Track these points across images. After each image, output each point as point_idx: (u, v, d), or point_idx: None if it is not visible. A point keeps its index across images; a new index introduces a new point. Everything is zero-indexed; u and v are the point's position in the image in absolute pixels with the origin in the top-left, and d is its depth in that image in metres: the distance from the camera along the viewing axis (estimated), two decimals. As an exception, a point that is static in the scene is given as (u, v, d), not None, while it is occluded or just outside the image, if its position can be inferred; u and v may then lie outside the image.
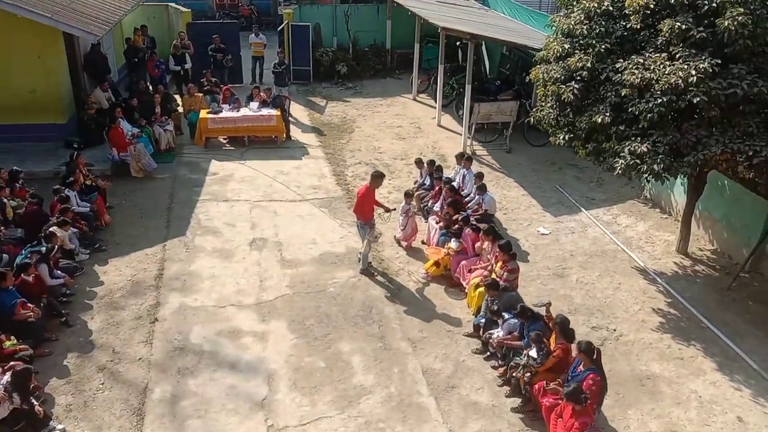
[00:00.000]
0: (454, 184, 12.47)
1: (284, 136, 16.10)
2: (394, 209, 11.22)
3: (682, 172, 9.10)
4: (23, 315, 8.38)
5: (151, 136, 14.62)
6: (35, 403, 7.22)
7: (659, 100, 8.53)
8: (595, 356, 7.08)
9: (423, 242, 11.41)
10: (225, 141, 15.95)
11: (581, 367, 7.15)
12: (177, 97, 17.59)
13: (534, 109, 11.23)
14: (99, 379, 8.13)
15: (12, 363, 7.38)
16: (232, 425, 7.49)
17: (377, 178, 10.52)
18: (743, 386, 8.29)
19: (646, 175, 8.95)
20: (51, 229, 9.98)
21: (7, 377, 7.05)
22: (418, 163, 13.33)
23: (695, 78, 8.18)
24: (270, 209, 12.66)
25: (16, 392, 6.96)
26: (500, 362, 8.50)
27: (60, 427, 7.31)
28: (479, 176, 12.12)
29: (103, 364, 8.38)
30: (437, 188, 12.16)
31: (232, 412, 7.70)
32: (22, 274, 8.86)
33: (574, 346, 7.46)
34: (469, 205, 11.91)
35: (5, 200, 10.73)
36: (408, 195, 11.37)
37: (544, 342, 7.72)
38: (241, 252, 11.09)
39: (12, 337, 8.04)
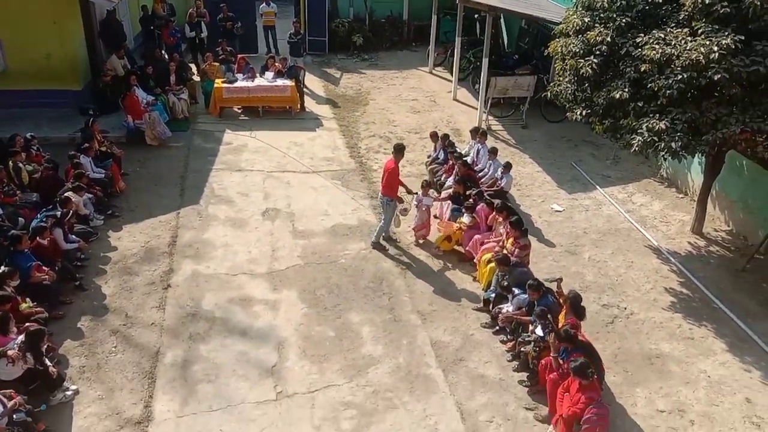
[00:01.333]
0: (469, 158, 12.40)
1: (298, 107, 16.04)
2: (417, 193, 10.74)
3: (700, 150, 8.97)
4: (38, 278, 8.51)
5: (165, 104, 14.63)
6: (49, 364, 7.35)
7: (679, 77, 8.34)
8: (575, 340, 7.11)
9: (435, 216, 11.38)
10: (239, 111, 15.92)
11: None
12: (192, 65, 17.54)
13: (551, 84, 11.07)
14: (112, 342, 8.26)
15: (27, 324, 7.50)
16: (242, 390, 7.60)
17: (399, 151, 10.40)
18: (753, 368, 8.25)
19: (663, 153, 8.82)
20: (66, 194, 10.07)
21: (21, 338, 7.18)
22: (433, 136, 13.22)
23: (717, 54, 7.98)
24: (283, 180, 12.67)
25: (30, 352, 7.08)
26: (509, 337, 8.52)
27: (73, 387, 7.46)
28: (493, 151, 12.05)
29: (116, 328, 8.50)
30: (450, 163, 12.08)
31: (242, 377, 7.80)
32: (38, 238, 8.98)
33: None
34: (482, 180, 11.85)
35: (21, 165, 10.83)
36: (425, 185, 10.71)
37: (549, 319, 7.70)
38: (253, 221, 11.14)
39: (28, 299, 8.19)
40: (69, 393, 7.36)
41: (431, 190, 10.83)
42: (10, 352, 6.94)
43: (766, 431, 7.30)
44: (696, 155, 9.88)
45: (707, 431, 7.30)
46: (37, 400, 7.03)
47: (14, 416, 6.49)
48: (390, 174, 10.18)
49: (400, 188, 10.59)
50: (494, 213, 9.96)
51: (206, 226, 10.91)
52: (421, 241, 10.73)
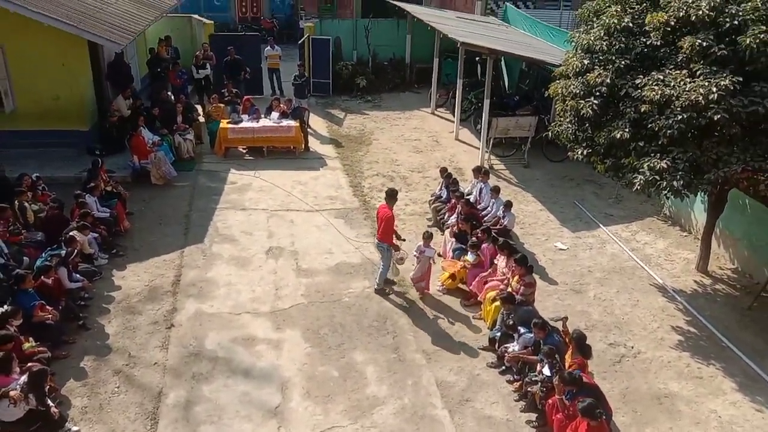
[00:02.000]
0: (471, 197, 12.47)
1: (303, 146, 16.21)
2: (403, 240, 10.69)
3: (702, 189, 9.02)
4: (42, 317, 8.48)
5: (171, 144, 14.80)
6: (51, 404, 7.27)
7: (679, 117, 8.45)
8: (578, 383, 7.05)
9: (439, 254, 11.38)
10: (244, 151, 16.09)
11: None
12: (198, 106, 17.81)
13: (552, 124, 11.20)
14: (114, 382, 8.18)
15: (30, 364, 7.45)
16: (245, 432, 7.49)
17: (392, 197, 10.17)
18: (765, 407, 8.13)
19: (666, 192, 8.87)
20: (71, 233, 10.11)
21: (24, 378, 7.12)
22: (443, 172, 13.28)
23: (716, 95, 8.10)
24: (287, 218, 12.73)
25: (32, 393, 7.01)
26: (516, 377, 8.42)
27: (75, 428, 7.36)
28: (495, 190, 12.12)
29: (119, 368, 8.43)
30: (453, 201, 12.14)
31: (245, 418, 7.70)
32: (42, 277, 8.98)
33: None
34: (485, 219, 11.89)
35: (27, 204, 10.90)
36: (427, 237, 10.19)
37: (556, 358, 7.64)
38: (257, 260, 11.15)
39: (31, 339, 8.14)
40: (70, 434, 7.26)
41: (432, 242, 10.36)
42: (12, 393, 6.87)
43: (779, 474, 7.16)
44: (698, 194, 9.92)
45: (719, 474, 7.16)
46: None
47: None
48: (387, 222, 9.93)
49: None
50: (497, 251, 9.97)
51: (210, 265, 10.92)
52: (420, 296, 10.31)
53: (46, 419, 7.11)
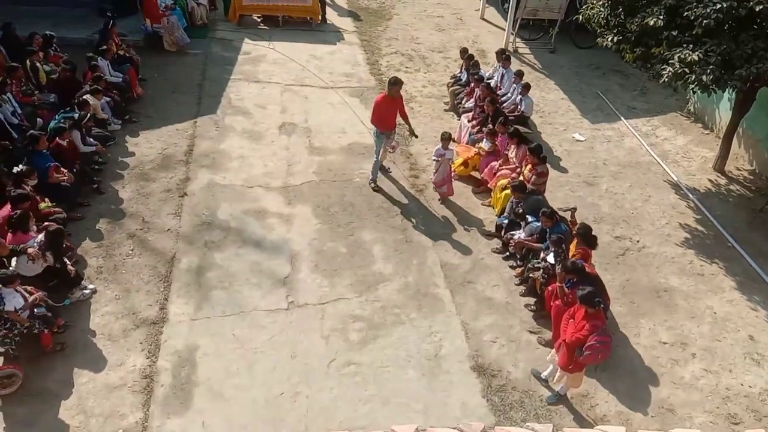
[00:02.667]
0: (492, 82, 12.09)
1: (319, 18, 15.60)
2: (416, 137, 10.29)
3: (732, 85, 8.67)
4: (57, 178, 8.61)
5: (185, 9, 14.27)
6: (68, 262, 7.56)
7: (718, 6, 7.99)
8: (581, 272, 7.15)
9: (453, 140, 11.21)
10: (259, 19, 15.51)
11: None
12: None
13: (584, 7, 10.61)
14: (129, 245, 8.44)
15: (46, 223, 7.65)
16: (254, 298, 7.80)
17: (393, 85, 9.48)
18: (760, 306, 8.30)
19: (693, 86, 8.55)
20: (84, 96, 10.02)
21: (41, 237, 7.34)
22: (463, 53, 12.79)
23: (761, -18, 7.58)
24: (301, 94, 12.50)
25: (49, 251, 7.26)
26: (519, 263, 8.59)
27: (91, 286, 7.68)
28: (519, 74, 11.69)
29: (132, 232, 8.66)
30: (472, 85, 11.79)
31: (255, 286, 7.99)
32: (57, 138, 9.01)
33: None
34: (504, 105, 11.59)
35: (39, 65, 10.72)
36: (445, 138, 9.57)
37: (563, 248, 7.72)
38: (270, 135, 11.08)
39: (46, 199, 8.32)
40: (87, 291, 7.59)
41: (452, 143, 9.85)
42: (30, 250, 7.11)
43: (765, 368, 7.42)
44: (727, 90, 9.55)
45: (707, 365, 7.44)
46: (57, 296, 7.26)
47: (35, 310, 6.74)
48: (377, 108, 9.59)
49: (398, 125, 9.99)
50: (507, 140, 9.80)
51: (223, 137, 10.88)
52: (440, 200, 9.87)
53: (63, 276, 7.41)
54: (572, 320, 6.58)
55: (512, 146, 9.75)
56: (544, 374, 7.10)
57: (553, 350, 6.92)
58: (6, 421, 6.23)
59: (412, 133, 10.25)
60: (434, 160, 9.82)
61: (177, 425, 6.31)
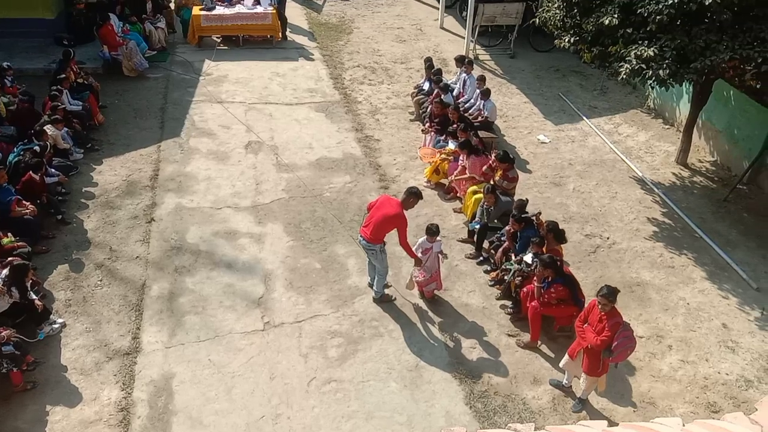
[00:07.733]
0: (455, 88, 12.19)
1: (280, 35, 15.57)
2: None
3: (688, 78, 8.84)
4: (19, 212, 8.39)
5: (141, 33, 14.12)
6: (35, 297, 7.36)
7: (670, 1, 8.16)
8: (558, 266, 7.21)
9: (419, 148, 11.25)
10: (219, 40, 15.43)
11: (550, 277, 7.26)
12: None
13: (540, 10, 10.78)
14: (97, 275, 8.25)
15: (10, 258, 7.45)
16: (229, 321, 7.67)
17: (412, 196, 7.58)
18: (731, 294, 8.45)
19: (651, 82, 8.70)
20: (44, 127, 9.81)
21: (5, 272, 7.14)
22: (426, 62, 12.87)
23: (709, -23, 7.78)
24: (265, 112, 12.43)
25: (14, 287, 7.06)
26: (492, 266, 8.62)
27: (60, 320, 7.49)
28: (481, 79, 11.79)
29: (100, 262, 8.48)
30: (436, 93, 11.87)
31: (229, 309, 7.86)
32: (31, 173, 8.77)
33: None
34: (469, 111, 11.68)
35: (-5, 97, 10.51)
36: (431, 233, 7.83)
37: (542, 250, 7.75)
38: (236, 155, 10.98)
39: (9, 234, 8.09)
40: (56, 326, 7.39)
41: (437, 240, 7.97)
42: (-7, 287, 6.91)
43: (740, 355, 7.53)
44: (683, 84, 9.76)
45: (684, 355, 7.52)
46: (27, 333, 7.05)
47: (2, 349, 6.53)
48: (381, 216, 7.49)
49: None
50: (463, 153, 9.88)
51: (188, 160, 10.75)
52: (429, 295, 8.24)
53: (31, 312, 7.21)
54: (587, 325, 6.49)
55: (462, 156, 9.82)
56: (564, 382, 7.03)
57: (566, 357, 6.81)
58: (-23, 466, 6.02)
59: (418, 262, 7.93)
60: (421, 252, 7.85)
61: (156, 457, 6.16)
